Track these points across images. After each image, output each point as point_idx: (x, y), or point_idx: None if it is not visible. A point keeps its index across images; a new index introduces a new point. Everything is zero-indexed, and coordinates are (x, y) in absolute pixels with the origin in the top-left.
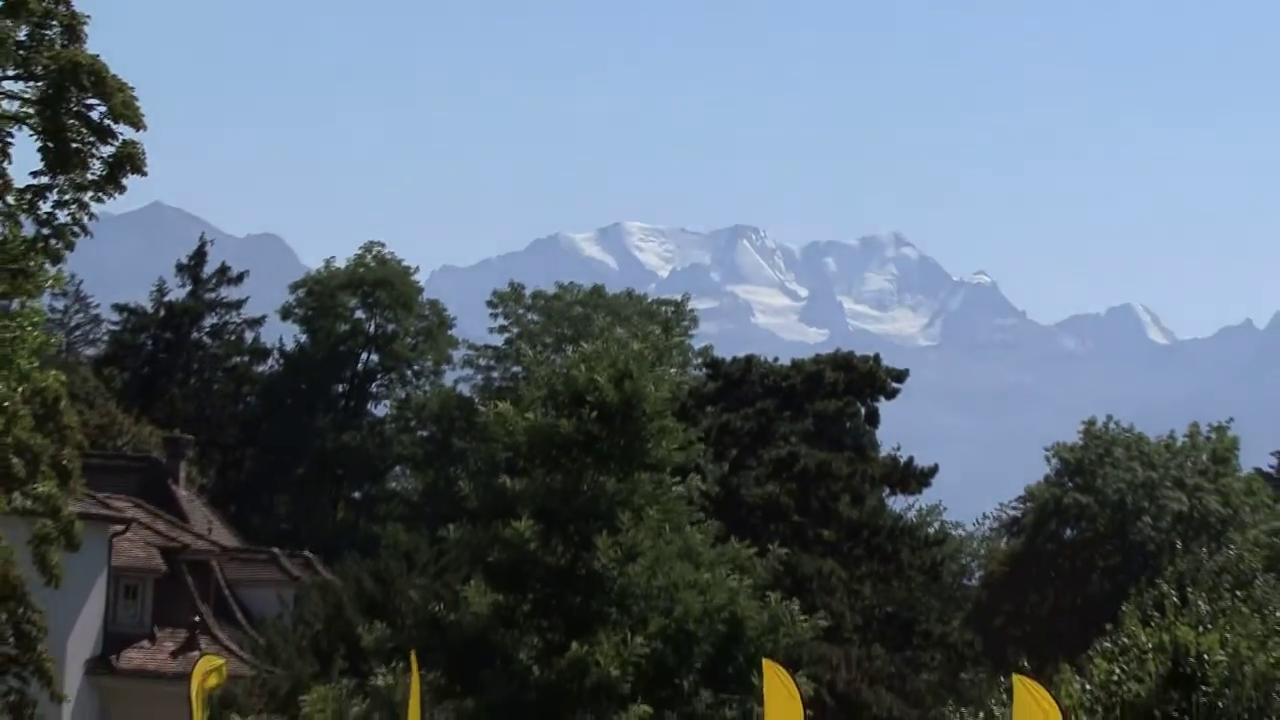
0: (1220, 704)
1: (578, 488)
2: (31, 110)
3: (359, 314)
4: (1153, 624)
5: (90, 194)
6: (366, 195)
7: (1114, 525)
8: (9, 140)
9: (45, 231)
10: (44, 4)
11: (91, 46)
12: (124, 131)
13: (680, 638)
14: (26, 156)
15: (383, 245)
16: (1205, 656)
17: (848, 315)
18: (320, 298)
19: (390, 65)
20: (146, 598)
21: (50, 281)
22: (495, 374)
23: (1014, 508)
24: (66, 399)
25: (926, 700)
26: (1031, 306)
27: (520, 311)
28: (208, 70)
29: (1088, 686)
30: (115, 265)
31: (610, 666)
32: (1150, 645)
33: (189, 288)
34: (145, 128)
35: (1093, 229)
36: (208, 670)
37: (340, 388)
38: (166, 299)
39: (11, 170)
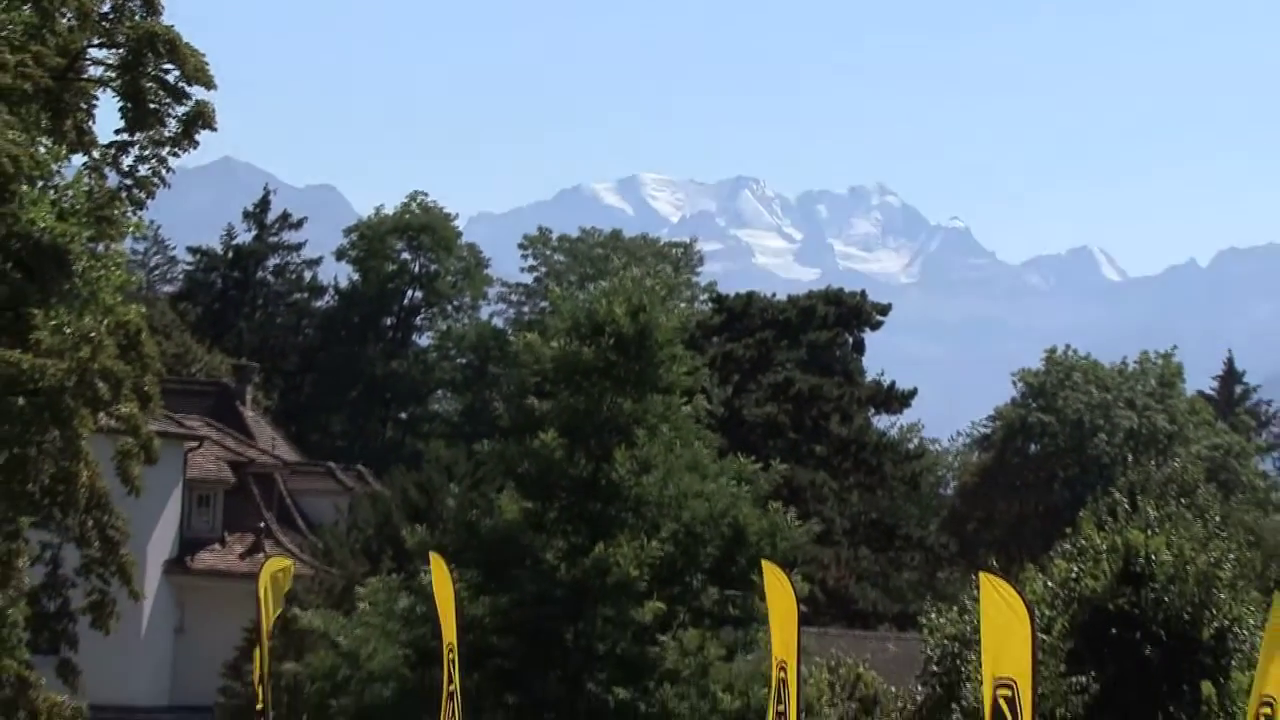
0: (1166, 598)
1: (598, 408)
2: (114, 75)
3: (405, 255)
4: (1106, 528)
5: (167, 149)
6: (412, 149)
7: (1073, 441)
8: (94, 102)
9: (128, 183)
10: None
11: (166, 18)
12: (196, 92)
13: (689, 541)
14: (110, 116)
15: (426, 194)
16: (1153, 556)
17: (837, 256)
18: (370, 241)
19: (430, 23)
20: (217, 506)
21: (132, 227)
22: (525, 308)
23: (984, 426)
24: (146, 331)
25: (907, 596)
26: (1000, 248)
27: (547, 253)
28: (272, 32)
29: (1049, 584)
30: (190, 213)
31: (628, 566)
32: (1104, 547)
33: (255, 232)
34: (215, 88)
35: (1053, 179)
36: (276, 570)
37: (388, 320)
38: (235, 242)
39: (97, 129)
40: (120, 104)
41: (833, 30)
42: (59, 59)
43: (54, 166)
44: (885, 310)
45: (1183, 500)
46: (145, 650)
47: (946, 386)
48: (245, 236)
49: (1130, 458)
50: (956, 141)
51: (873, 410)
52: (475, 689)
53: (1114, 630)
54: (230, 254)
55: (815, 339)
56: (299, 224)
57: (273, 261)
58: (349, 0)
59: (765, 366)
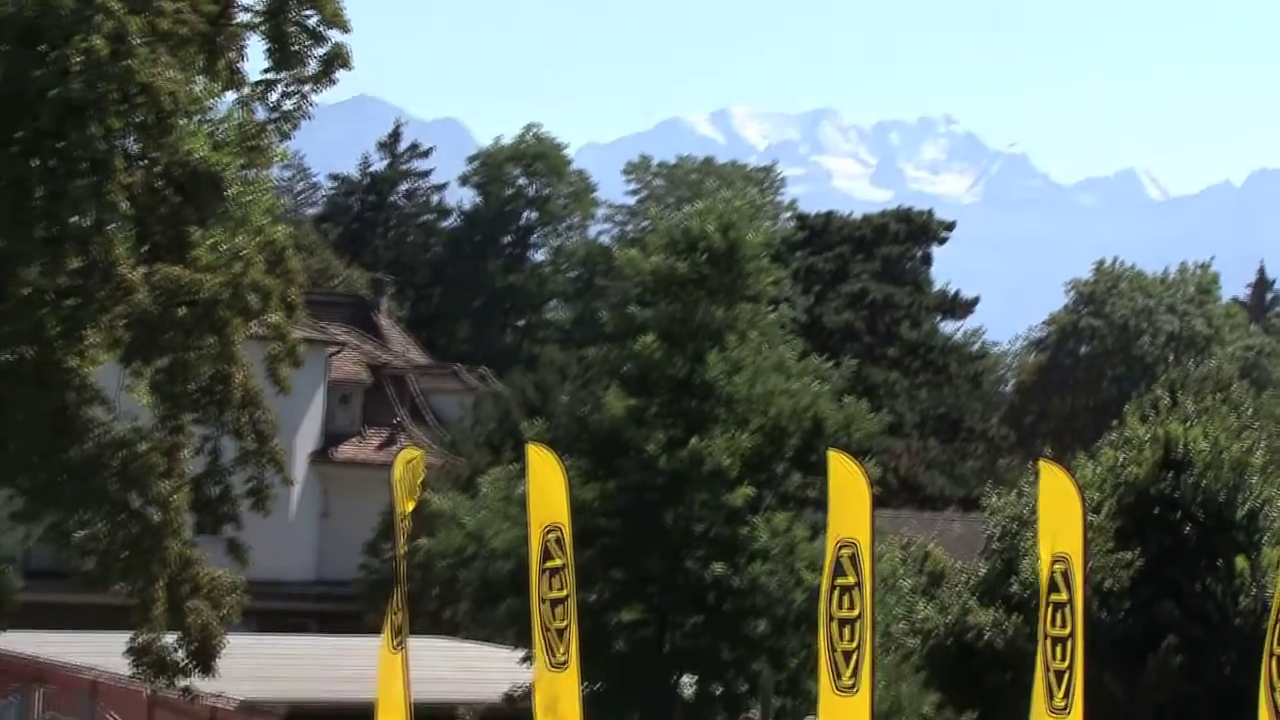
0: (1203, 483)
1: (692, 316)
2: (260, 20)
3: (521, 180)
4: (1149, 421)
5: (308, 86)
6: (528, 86)
7: (1119, 343)
8: (244, 44)
9: (274, 117)
10: None
11: None
12: (333, 35)
13: (775, 433)
14: (258, 58)
15: (540, 125)
16: (1191, 446)
17: (907, 179)
18: (490, 168)
19: None
20: (356, 404)
21: (278, 156)
22: (628, 228)
23: (1040, 330)
24: (292, 249)
25: (970, 481)
26: (1054, 171)
27: (648, 178)
28: None
29: (1098, 470)
30: (330, 143)
31: (721, 456)
32: (1147, 437)
33: (387, 161)
34: (351, 31)
35: (1102, 107)
36: (409, 459)
37: (507, 238)
38: (370, 170)
39: (246, 68)
40: (266, 46)
41: None
42: (212, 5)
43: (209, 102)
44: (950, 227)
45: (1218, 396)
46: (295, 532)
47: (1006, 295)
48: (379, 165)
49: (1171, 358)
50: (1016, 75)
51: (939, 316)
52: (585, 565)
53: (1156, 511)
54: (366, 180)
55: (888, 253)
56: (426, 153)
57: (404, 187)
58: None
59: (843, 278)
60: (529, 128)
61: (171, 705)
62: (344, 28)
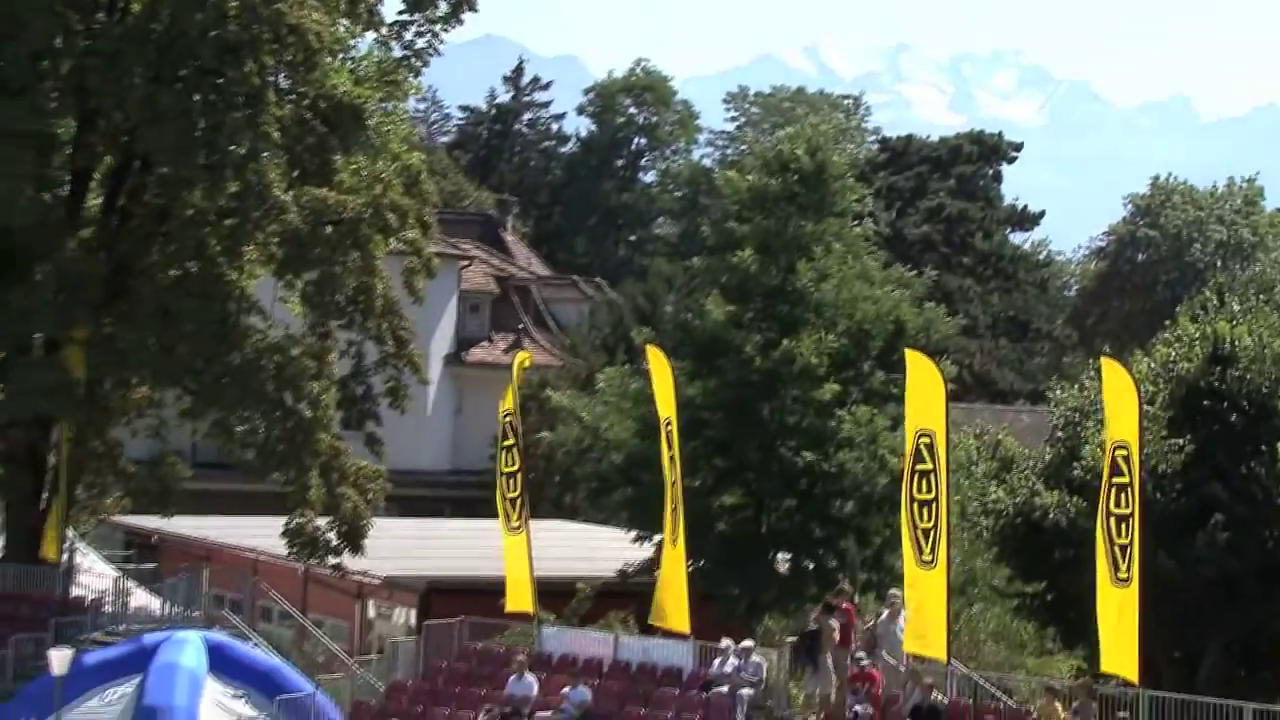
0: (1248, 376)
1: (784, 230)
2: None
3: (632, 110)
4: (1199, 320)
5: (439, 26)
6: (637, 22)
7: (1172, 251)
8: None
9: (409, 54)
10: None
11: None
12: None
13: (860, 335)
14: (393, 1)
15: (648, 60)
16: (1237, 343)
17: (980, 105)
18: (604, 99)
19: None
20: (485, 312)
21: (413, 90)
22: (728, 151)
23: (1100, 240)
24: (426, 172)
25: (1038, 377)
26: (1114, 96)
27: (745, 106)
28: None
29: (1153, 365)
30: (460, 78)
31: (810, 356)
32: (1197, 335)
33: (512, 93)
34: None
35: (1157, 35)
36: (521, 361)
37: (619, 162)
38: (496, 101)
39: (383, 10)
40: None
41: None
42: None
43: (350, 42)
44: (1019, 148)
45: (1262, 297)
46: (431, 427)
47: (1069, 209)
48: (504, 97)
49: (1220, 264)
50: (1079, 8)
51: (1009, 229)
52: (690, 454)
53: (1205, 402)
54: (493, 111)
55: (962, 172)
56: (547, 86)
57: (526, 116)
58: None
59: (921, 195)
60: (638, 62)
61: (323, 581)
62: None
